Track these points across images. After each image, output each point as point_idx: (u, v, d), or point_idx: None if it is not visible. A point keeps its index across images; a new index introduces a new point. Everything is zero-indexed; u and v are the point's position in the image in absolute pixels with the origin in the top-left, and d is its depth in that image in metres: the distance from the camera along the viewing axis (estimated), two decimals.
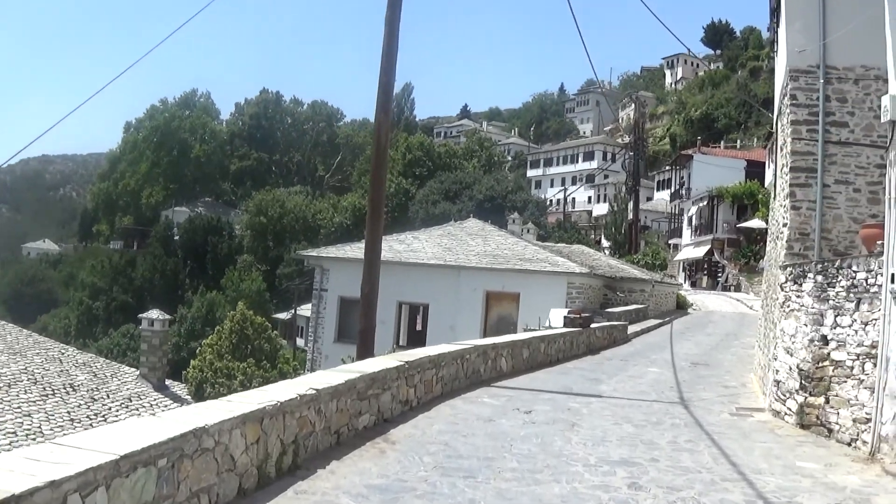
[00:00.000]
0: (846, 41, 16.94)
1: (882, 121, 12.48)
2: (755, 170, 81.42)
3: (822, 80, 17.15)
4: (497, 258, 40.39)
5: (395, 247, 42.37)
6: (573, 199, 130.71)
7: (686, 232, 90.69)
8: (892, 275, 11.50)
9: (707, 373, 23.59)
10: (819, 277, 14.23)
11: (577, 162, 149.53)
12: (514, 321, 37.64)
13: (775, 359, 15.91)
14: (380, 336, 38.48)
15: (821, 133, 17.06)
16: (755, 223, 49.18)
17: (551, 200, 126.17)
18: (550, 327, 29.50)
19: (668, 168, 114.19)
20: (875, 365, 12.20)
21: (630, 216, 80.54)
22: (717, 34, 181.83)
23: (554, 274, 38.28)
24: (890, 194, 12.08)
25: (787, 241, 17.13)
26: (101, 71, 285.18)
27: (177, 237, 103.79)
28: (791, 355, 14.89)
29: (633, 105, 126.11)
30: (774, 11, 20.97)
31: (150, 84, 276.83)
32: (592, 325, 28.94)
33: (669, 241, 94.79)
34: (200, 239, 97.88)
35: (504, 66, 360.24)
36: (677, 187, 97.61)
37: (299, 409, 9.65)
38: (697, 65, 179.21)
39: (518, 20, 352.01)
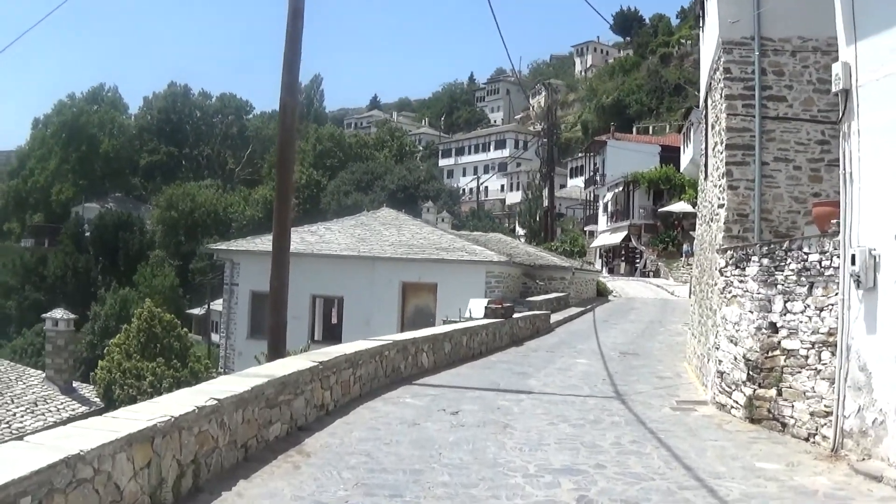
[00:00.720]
0: (781, 11, 16.05)
1: (833, 90, 11.49)
2: (670, 155, 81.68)
3: (757, 52, 16.21)
4: (412, 248, 39.15)
5: (306, 238, 40.96)
6: (486, 187, 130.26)
7: (602, 218, 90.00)
8: (853, 255, 10.52)
9: (638, 363, 22.61)
10: (765, 261, 13.23)
11: (489, 150, 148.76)
12: (432, 313, 36.47)
13: (717, 348, 14.92)
14: (294, 331, 37.13)
15: (757, 108, 16.12)
16: (679, 206, 48.34)
17: (464, 189, 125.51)
18: (471, 318, 28.42)
19: (581, 155, 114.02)
20: (833, 354, 11.25)
21: (545, 203, 79.59)
22: (626, 21, 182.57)
23: (472, 263, 37.16)
24: (845, 168, 11.10)
25: (724, 223, 16.13)
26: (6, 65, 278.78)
27: (88, 234, 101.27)
28: (735, 344, 13.91)
29: (543, 93, 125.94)
30: None
31: (58, 80, 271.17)
32: (515, 315, 27.88)
33: (585, 228, 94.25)
34: (111, 235, 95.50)
35: (413, 56, 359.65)
36: (592, 173, 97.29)
37: (198, 424, 8.37)
38: (607, 52, 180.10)
39: (426, 8, 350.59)
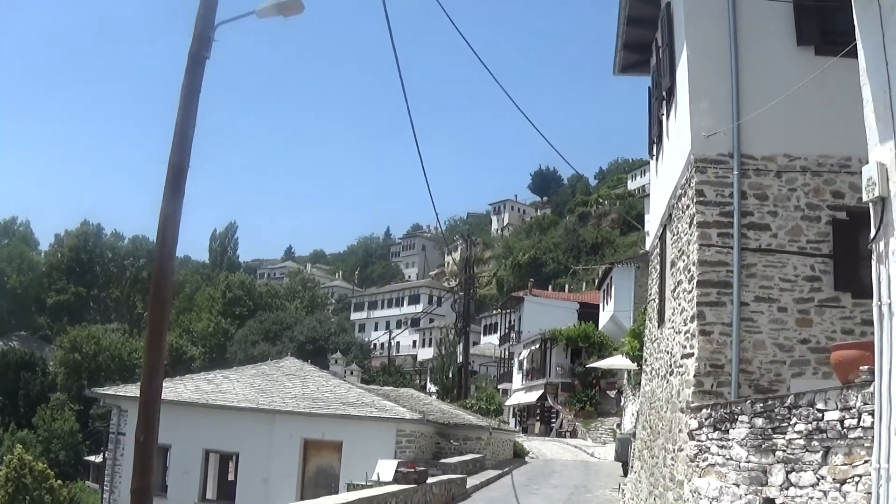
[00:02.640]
0: (765, 125, 13.52)
1: (865, 199, 8.57)
2: (588, 312, 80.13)
3: (736, 172, 13.59)
4: (317, 401, 35.52)
5: (202, 387, 37.33)
6: (398, 343, 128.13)
7: (517, 376, 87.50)
8: None
9: None
10: (759, 420, 10.23)
11: (403, 305, 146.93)
12: (336, 474, 32.89)
13: None
14: (184, 488, 33.80)
15: (736, 238, 13.44)
16: (613, 361, 45.27)
17: (376, 344, 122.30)
18: (379, 482, 25.07)
19: (496, 311, 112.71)
20: None
21: (459, 359, 76.74)
22: (544, 181, 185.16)
23: (381, 420, 33.70)
24: (881, 299, 8.17)
25: (694, 376, 13.18)
26: None
27: None
28: None
29: (458, 250, 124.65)
30: (664, 93, 17.28)
31: None
32: (429, 480, 24.55)
33: (499, 386, 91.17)
34: (13, 374, 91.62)
35: (330, 210, 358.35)
36: (507, 330, 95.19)
37: None
38: (524, 210, 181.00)
39: (342, 163, 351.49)
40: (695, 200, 13.79)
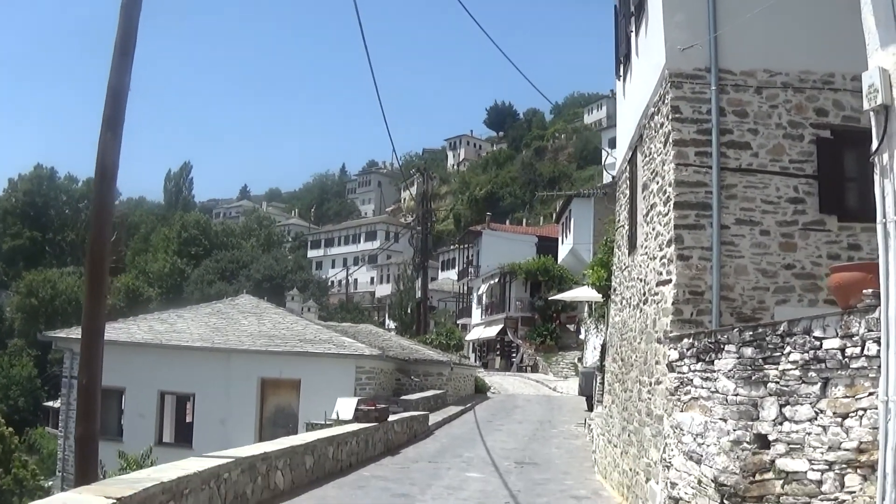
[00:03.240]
0: (744, 37, 12.63)
1: (866, 107, 7.72)
2: (547, 245, 79.49)
3: (714, 87, 12.67)
4: (274, 339, 34.71)
5: (155, 327, 36.37)
6: (356, 280, 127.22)
7: (476, 311, 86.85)
8: None
9: (541, 476, 18.69)
10: (748, 350, 9.40)
11: (360, 242, 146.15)
12: (295, 413, 32.18)
13: (668, 466, 11.06)
14: (140, 431, 32.90)
15: (715, 156, 12.57)
16: (578, 293, 44.12)
17: (333, 281, 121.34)
18: (339, 421, 24.35)
19: (454, 247, 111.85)
20: (866, 479, 7.44)
21: (418, 294, 75.93)
22: (499, 116, 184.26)
23: (340, 357, 32.99)
24: (886, 216, 7.35)
25: (672, 304, 12.35)
26: None
27: None
28: (699, 463, 10.06)
29: (415, 186, 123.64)
30: (632, 8, 16.35)
31: None
32: (390, 418, 23.78)
33: (458, 322, 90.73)
34: None
35: (284, 147, 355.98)
36: (465, 265, 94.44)
37: None
38: (480, 146, 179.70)
39: (295, 99, 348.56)
40: (670, 118, 12.90)
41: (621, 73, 18.88)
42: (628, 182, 17.35)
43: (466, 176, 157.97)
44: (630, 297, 16.15)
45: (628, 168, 17.32)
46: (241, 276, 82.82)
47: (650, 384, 13.09)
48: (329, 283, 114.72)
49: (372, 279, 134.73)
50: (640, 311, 14.71)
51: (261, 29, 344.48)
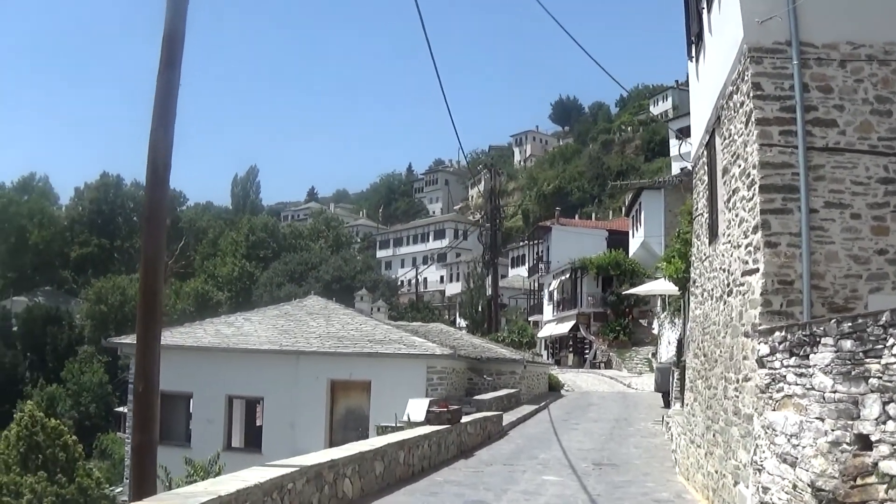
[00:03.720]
0: (823, 9, 11.85)
1: None
2: (618, 239, 78.54)
3: (796, 62, 11.83)
4: (343, 340, 34.11)
5: (222, 331, 36.02)
6: (425, 278, 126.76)
7: (547, 307, 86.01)
8: None
9: (621, 478, 17.88)
10: (847, 343, 8.55)
11: (428, 241, 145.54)
12: (365, 415, 31.55)
13: (760, 469, 10.28)
14: (208, 436, 32.51)
15: (801, 135, 11.71)
16: (653, 286, 42.73)
17: (402, 281, 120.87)
18: (410, 423, 23.65)
19: (523, 243, 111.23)
20: None
21: (488, 292, 75.18)
22: (565, 110, 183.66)
23: (411, 357, 32.34)
24: None
25: (760, 295, 11.51)
26: None
27: (15, 328, 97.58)
28: (793, 466, 9.26)
29: (482, 183, 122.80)
30: None
31: None
32: (463, 419, 23.09)
33: (529, 319, 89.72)
34: (39, 330, 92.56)
35: (351, 149, 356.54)
36: (535, 261, 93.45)
37: None
38: (546, 141, 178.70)
39: (361, 99, 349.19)
40: (751, 95, 12.05)
41: (693, 53, 17.99)
42: (706, 168, 16.47)
43: (533, 172, 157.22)
44: (712, 289, 15.30)
45: (705, 153, 16.45)
46: (309, 278, 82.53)
47: (737, 381, 12.29)
48: (398, 283, 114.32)
49: (441, 278, 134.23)
50: (724, 303, 13.87)
51: (326, 30, 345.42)
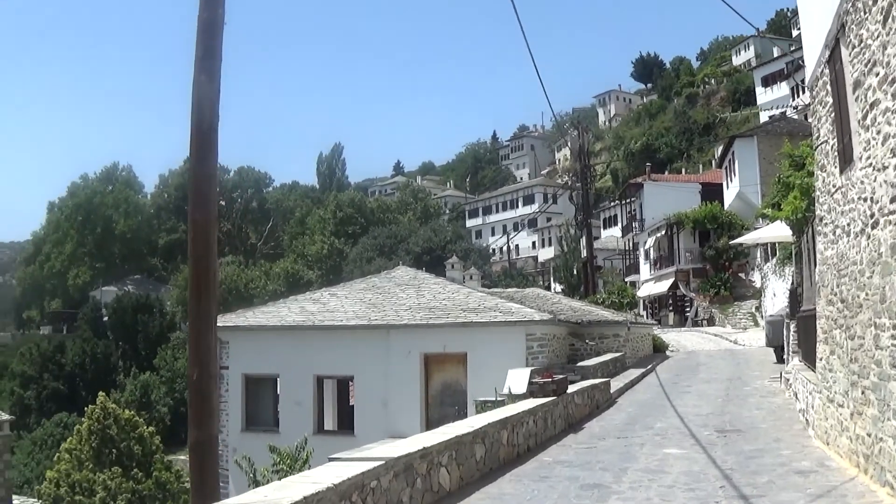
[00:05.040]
0: None
1: None
2: (712, 191, 76.86)
3: None
4: (434, 311, 32.34)
5: (307, 308, 34.44)
6: (517, 245, 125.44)
7: (644, 267, 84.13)
8: None
9: (750, 447, 15.88)
10: None
11: (518, 207, 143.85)
12: (463, 389, 29.83)
13: None
14: (298, 419, 31.00)
15: None
16: (766, 232, 39.02)
17: (494, 249, 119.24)
18: (511, 396, 21.92)
19: (614, 203, 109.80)
20: None
21: (583, 254, 73.25)
22: (646, 68, 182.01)
23: (508, 325, 30.45)
24: None
25: None
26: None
27: (106, 318, 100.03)
28: None
29: (568, 146, 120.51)
30: None
31: (71, 161, 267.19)
32: (569, 389, 21.21)
33: (626, 279, 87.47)
34: (130, 318, 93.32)
35: (435, 120, 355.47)
36: (628, 220, 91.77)
37: None
38: (630, 100, 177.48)
39: (443, 69, 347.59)
40: None
41: None
42: (829, 87, 14.34)
43: (620, 131, 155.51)
44: (848, 224, 13.22)
45: (827, 70, 14.32)
46: (399, 251, 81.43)
47: (894, 327, 10.28)
48: (490, 251, 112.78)
49: (533, 244, 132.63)
50: (869, 237, 11.81)
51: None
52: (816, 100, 15.96)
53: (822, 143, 15.53)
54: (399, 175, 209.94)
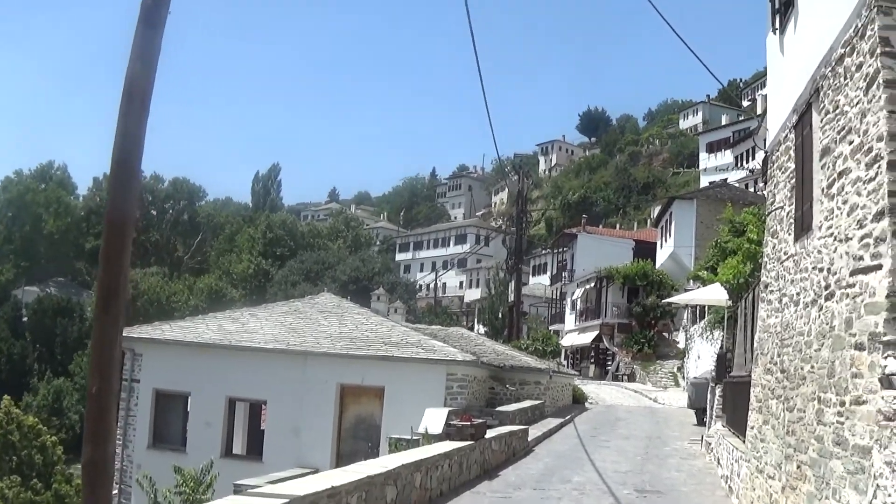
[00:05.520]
0: None
1: None
2: (645, 249, 77.25)
3: None
4: (356, 341, 31.35)
5: (226, 326, 33.37)
6: (444, 283, 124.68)
7: (569, 317, 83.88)
8: None
9: None
10: None
11: (449, 245, 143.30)
12: (377, 424, 28.94)
13: None
14: (207, 441, 30.01)
15: None
16: (699, 295, 37.80)
17: (422, 285, 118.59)
18: (427, 436, 21.17)
19: (546, 251, 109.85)
20: None
21: (510, 298, 72.90)
22: (592, 122, 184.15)
23: (429, 362, 29.56)
24: None
25: (887, 298, 8.92)
26: None
27: (25, 318, 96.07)
28: None
29: (506, 190, 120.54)
30: None
31: (6, 155, 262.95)
32: (487, 434, 20.50)
33: (550, 328, 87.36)
34: (50, 321, 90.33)
35: (374, 151, 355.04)
36: (558, 269, 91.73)
37: None
38: (572, 151, 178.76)
39: (385, 102, 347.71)
40: (876, 53, 9.50)
41: (778, 24, 15.38)
42: (793, 153, 13.85)
43: (559, 181, 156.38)
44: (798, 294, 12.71)
45: (793, 135, 13.84)
46: (326, 278, 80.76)
47: (841, 404, 9.73)
48: (418, 287, 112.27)
49: (461, 283, 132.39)
50: (821, 309, 11.27)
51: (355, 25, 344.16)
52: (776, 165, 15.49)
53: (776, 209, 15.05)
54: (334, 202, 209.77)
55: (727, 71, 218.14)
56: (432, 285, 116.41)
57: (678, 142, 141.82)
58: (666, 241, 70.94)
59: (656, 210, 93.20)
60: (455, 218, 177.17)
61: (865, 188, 9.69)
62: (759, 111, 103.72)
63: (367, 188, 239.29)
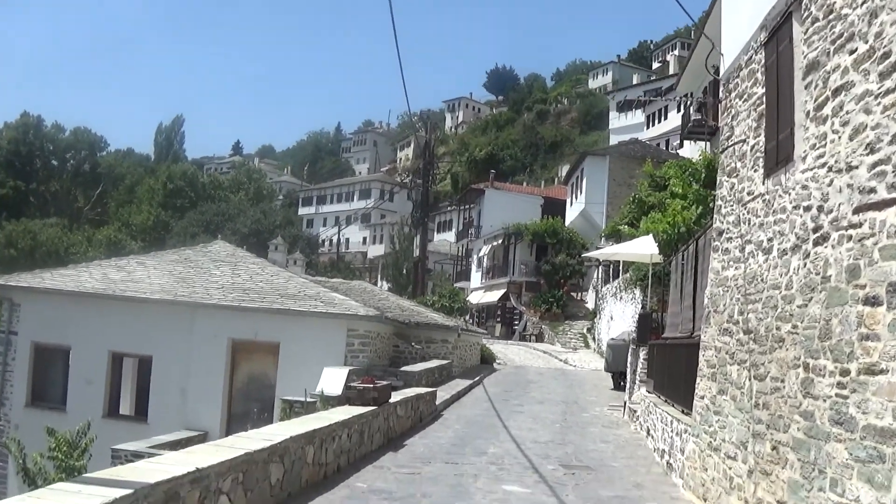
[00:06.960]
0: None
1: None
2: (554, 206, 75.79)
3: None
4: (249, 293, 29.09)
5: (110, 275, 30.74)
6: (347, 239, 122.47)
7: (476, 274, 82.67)
8: None
9: (607, 492, 13.27)
10: None
11: (353, 200, 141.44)
12: (271, 384, 26.73)
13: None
14: (89, 399, 27.48)
15: None
16: (627, 248, 34.81)
17: (324, 240, 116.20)
18: (324, 398, 19.03)
19: (451, 207, 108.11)
20: None
21: (416, 254, 70.80)
22: (500, 80, 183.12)
23: (329, 316, 27.45)
24: None
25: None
26: None
27: None
28: None
29: (412, 146, 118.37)
30: None
31: None
32: (392, 398, 18.27)
33: (456, 285, 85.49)
34: None
35: (279, 104, 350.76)
36: (465, 225, 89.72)
37: None
38: (479, 109, 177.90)
39: (293, 56, 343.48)
40: None
41: None
42: (761, 75, 11.74)
43: (465, 138, 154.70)
44: (770, 240, 10.64)
45: (762, 55, 11.71)
46: (226, 230, 78.36)
47: (843, 373, 7.70)
48: (320, 242, 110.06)
49: (364, 239, 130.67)
50: (807, 256, 9.20)
51: None
52: (734, 93, 13.37)
53: (735, 144, 12.94)
54: (237, 155, 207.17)
55: (637, 33, 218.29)
56: (335, 240, 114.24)
57: (587, 101, 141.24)
58: (576, 198, 69.33)
59: (564, 169, 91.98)
60: (360, 173, 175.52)
61: (878, 103, 7.61)
62: (671, 72, 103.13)
63: (271, 142, 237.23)
